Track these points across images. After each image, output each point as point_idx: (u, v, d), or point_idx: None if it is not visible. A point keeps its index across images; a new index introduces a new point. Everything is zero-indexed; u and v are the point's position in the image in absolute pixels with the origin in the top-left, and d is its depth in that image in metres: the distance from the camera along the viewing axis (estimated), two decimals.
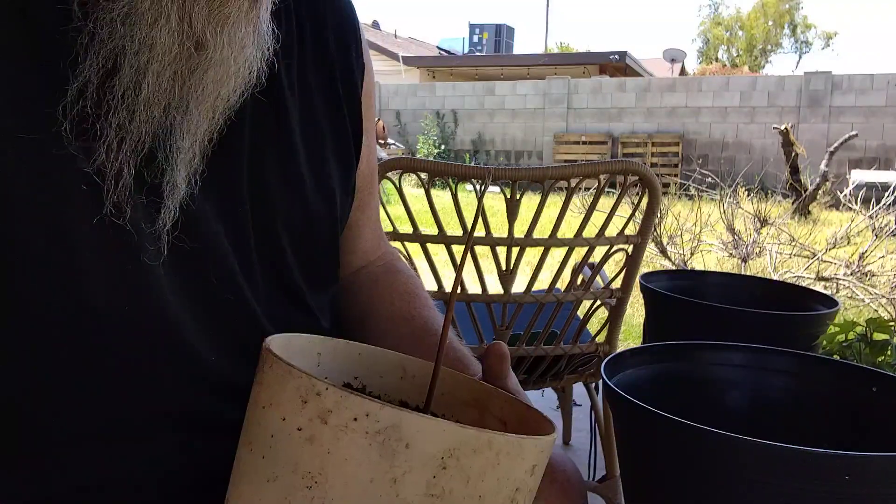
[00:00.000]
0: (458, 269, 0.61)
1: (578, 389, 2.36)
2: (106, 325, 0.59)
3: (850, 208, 5.66)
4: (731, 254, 4.97)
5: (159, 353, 0.62)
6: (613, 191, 1.62)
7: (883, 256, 4.49)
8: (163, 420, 0.62)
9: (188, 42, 0.57)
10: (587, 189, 3.64)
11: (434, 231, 1.52)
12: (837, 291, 4.29)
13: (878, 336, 1.33)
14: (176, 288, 0.62)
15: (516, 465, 0.48)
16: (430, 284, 1.59)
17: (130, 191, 0.58)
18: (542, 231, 1.50)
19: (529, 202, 1.50)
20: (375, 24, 23.95)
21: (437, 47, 25.36)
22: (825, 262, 4.58)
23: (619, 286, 1.62)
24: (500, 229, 1.50)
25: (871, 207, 5.12)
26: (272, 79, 0.67)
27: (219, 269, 0.65)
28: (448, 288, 1.55)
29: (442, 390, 0.61)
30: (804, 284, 3.49)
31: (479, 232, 1.50)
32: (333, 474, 0.45)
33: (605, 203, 1.63)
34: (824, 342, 1.37)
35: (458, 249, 1.53)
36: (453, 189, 1.51)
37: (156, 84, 0.57)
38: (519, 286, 1.54)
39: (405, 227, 1.55)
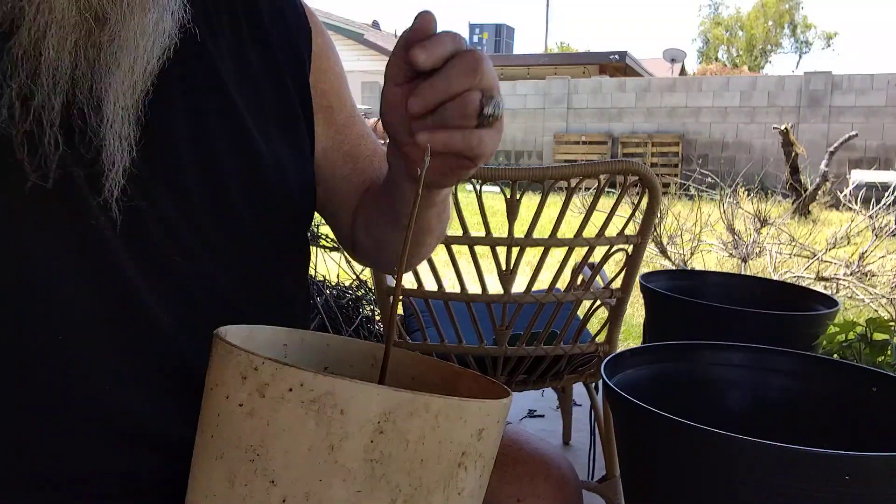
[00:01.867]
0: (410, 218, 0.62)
1: (578, 389, 2.36)
2: (59, 296, 0.61)
3: (850, 208, 5.67)
4: (731, 254, 4.97)
5: (117, 318, 0.63)
6: (613, 191, 1.62)
7: (883, 256, 4.50)
8: (124, 381, 0.64)
9: (86, 12, 0.57)
10: (587, 189, 3.64)
11: None
12: (837, 291, 4.29)
13: (878, 336, 1.32)
14: (129, 254, 0.63)
15: (458, 428, 0.47)
16: (430, 285, 1.60)
17: (66, 162, 0.59)
18: (542, 231, 1.50)
19: (529, 202, 1.49)
20: (375, 24, 23.95)
21: None
22: (825, 262, 4.58)
23: (619, 286, 1.62)
24: (500, 229, 1.50)
25: (871, 207, 5.12)
26: (201, 46, 0.68)
27: (167, 232, 0.66)
28: (448, 288, 1.55)
29: (412, 374, 0.62)
30: (804, 284, 3.48)
31: (479, 231, 1.50)
32: (273, 446, 0.46)
33: (605, 203, 1.63)
34: (824, 342, 1.37)
35: (457, 249, 1.53)
36: (453, 189, 1.51)
37: (57, 50, 0.57)
38: (519, 286, 1.54)
39: None
